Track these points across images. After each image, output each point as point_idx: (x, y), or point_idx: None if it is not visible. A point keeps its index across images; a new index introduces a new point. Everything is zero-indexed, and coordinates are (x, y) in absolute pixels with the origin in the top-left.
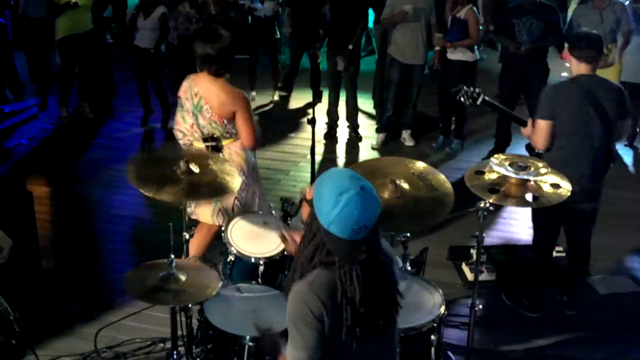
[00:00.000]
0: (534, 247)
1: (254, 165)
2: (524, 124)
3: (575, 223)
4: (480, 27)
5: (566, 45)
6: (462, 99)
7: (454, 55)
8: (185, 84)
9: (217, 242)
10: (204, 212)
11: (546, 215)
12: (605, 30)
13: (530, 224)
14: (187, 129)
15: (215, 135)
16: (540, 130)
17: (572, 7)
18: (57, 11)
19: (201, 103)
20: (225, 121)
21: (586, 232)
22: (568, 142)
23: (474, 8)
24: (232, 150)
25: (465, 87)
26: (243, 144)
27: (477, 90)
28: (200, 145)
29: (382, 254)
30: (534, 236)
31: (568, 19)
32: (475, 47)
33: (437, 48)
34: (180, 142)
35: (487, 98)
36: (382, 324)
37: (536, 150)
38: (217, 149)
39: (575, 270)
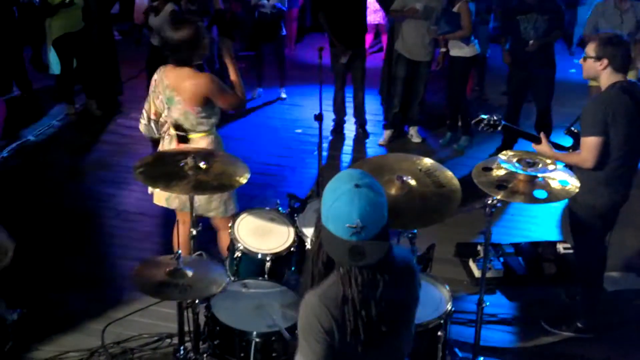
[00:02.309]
0: (584, 263)
1: None
2: (538, 141)
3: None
4: (477, 19)
5: (593, 48)
6: (484, 128)
7: (453, 51)
8: (156, 77)
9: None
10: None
11: (591, 231)
12: (623, 32)
13: (538, 221)
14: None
15: (184, 126)
16: (590, 148)
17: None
18: (50, 11)
19: (173, 95)
20: (199, 109)
21: (605, 243)
22: (619, 156)
23: (470, 3)
24: (202, 144)
25: (485, 117)
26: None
27: (496, 117)
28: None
29: (397, 265)
30: (581, 254)
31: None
32: (476, 41)
33: (442, 49)
34: (149, 132)
35: (507, 123)
36: (385, 331)
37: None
38: (184, 139)
39: (595, 281)
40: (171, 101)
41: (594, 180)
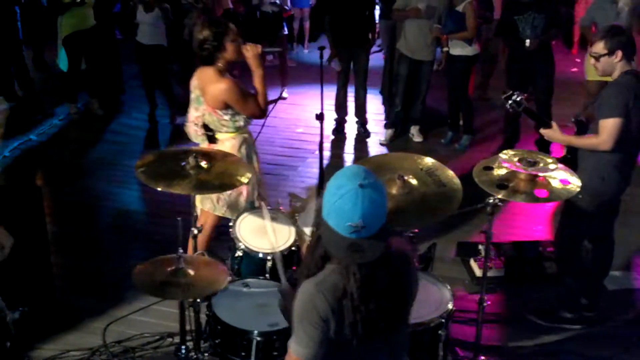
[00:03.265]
0: (564, 250)
1: None
2: (549, 126)
3: (607, 223)
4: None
5: (604, 42)
6: (511, 105)
7: (455, 50)
8: (193, 77)
9: (225, 237)
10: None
11: (582, 220)
12: None
13: (539, 220)
14: (193, 121)
15: (210, 127)
16: (610, 130)
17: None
18: (60, 9)
19: (199, 94)
20: (221, 112)
21: (612, 231)
22: (633, 139)
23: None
24: (225, 146)
25: (516, 93)
26: (250, 117)
27: (520, 98)
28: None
29: (395, 261)
30: (563, 240)
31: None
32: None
33: (445, 49)
34: (193, 138)
35: (527, 106)
36: (383, 327)
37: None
38: (211, 139)
39: (599, 270)
40: (198, 101)
41: (607, 165)
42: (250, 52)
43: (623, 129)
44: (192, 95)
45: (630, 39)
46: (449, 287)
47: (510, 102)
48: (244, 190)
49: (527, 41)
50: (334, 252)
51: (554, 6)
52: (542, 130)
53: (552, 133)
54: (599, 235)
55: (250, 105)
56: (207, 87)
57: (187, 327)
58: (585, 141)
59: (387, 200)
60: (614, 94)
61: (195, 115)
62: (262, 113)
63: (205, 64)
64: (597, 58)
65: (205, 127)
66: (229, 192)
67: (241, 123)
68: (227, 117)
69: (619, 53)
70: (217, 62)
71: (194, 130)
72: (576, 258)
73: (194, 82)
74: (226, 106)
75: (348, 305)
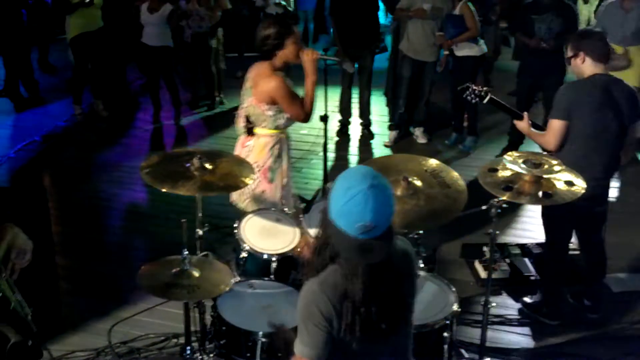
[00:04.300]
0: (548, 249)
1: (272, 166)
2: (520, 118)
3: (587, 225)
4: (480, 18)
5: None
6: (469, 97)
7: (461, 51)
8: (250, 69)
9: (230, 238)
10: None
11: (557, 220)
12: (626, 32)
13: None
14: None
15: (250, 119)
16: (553, 131)
17: (580, 4)
18: (68, 9)
19: (250, 86)
20: (266, 107)
21: (599, 234)
22: (582, 145)
23: (469, 3)
24: (260, 141)
25: (472, 86)
26: (294, 119)
27: (484, 88)
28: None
29: (398, 262)
30: (547, 240)
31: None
32: (482, 41)
33: (446, 52)
34: (237, 129)
35: (494, 97)
36: (385, 328)
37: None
38: (250, 131)
39: (593, 273)
40: (248, 92)
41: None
42: (308, 56)
43: (565, 130)
44: (246, 86)
45: (599, 41)
46: (453, 289)
47: (466, 94)
48: (267, 187)
49: (543, 44)
50: (344, 253)
51: (574, 11)
52: (514, 121)
53: (521, 124)
54: (583, 237)
55: (296, 106)
56: (258, 80)
57: (192, 328)
58: (537, 138)
59: (394, 199)
60: (560, 96)
61: (243, 106)
62: (306, 117)
63: (263, 59)
64: (568, 61)
65: (247, 118)
66: (253, 186)
67: (281, 122)
68: (270, 113)
69: (581, 54)
70: (274, 58)
71: (238, 120)
72: (561, 261)
73: (250, 74)
74: (272, 102)
75: (349, 306)
